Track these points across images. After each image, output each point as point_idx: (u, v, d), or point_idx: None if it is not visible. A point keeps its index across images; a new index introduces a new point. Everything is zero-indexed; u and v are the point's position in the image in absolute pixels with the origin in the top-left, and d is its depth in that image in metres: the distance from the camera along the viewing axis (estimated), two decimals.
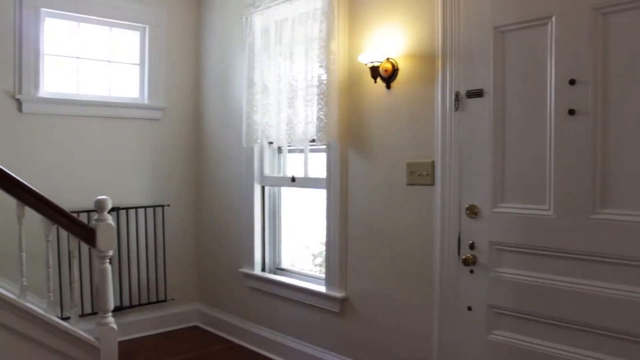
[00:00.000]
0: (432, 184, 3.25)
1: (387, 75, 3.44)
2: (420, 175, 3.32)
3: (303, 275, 4.36)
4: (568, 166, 2.66)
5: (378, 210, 3.61)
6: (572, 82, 2.62)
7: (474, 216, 3.03)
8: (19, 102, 4.38)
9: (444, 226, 3.19)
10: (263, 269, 4.66)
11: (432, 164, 3.25)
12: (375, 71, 3.46)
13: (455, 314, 3.15)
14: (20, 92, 4.38)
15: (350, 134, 3.78)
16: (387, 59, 3.43)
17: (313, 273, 4.37)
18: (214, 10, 5.12)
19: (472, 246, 3.04)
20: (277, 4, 4.14)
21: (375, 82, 3.50)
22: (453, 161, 3.13)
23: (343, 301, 3.85)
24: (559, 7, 2.67)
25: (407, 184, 3.41)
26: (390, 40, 3.45)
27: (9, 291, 3.46)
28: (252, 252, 4.64)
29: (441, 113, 3.17)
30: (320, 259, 4.47)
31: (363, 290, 3.74)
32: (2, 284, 3.48)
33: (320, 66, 3.74)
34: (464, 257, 3.05)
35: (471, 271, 3.05)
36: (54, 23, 4.63)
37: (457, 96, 3.08)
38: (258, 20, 4.34)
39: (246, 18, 4.42)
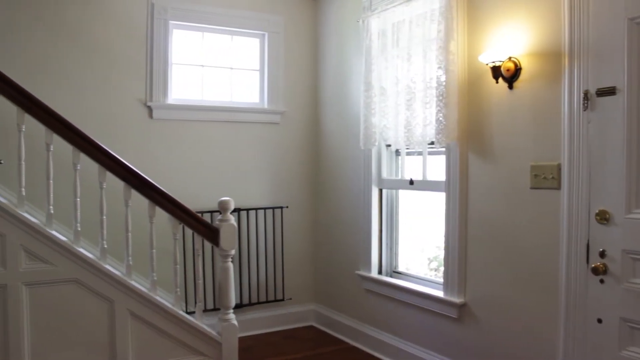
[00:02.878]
0: (558, 187, 3.09)
1: (510, 75, 3.31)
2: (545, 178, 3.16)
3: (419, 279, 4.31)
4: None
5: (499, 214, 3.49)
6: None
7: (605, 222, 2.84)
8: (149, 109, 4.69)
9: (570, 232, 3.02)
10: (380, 272, 4.65)
11: (558, 167, 3.08)
12: (496, 71, 3.35)
13: (583, 325, 2.97)
14: (151, 100, 4.68)
15: (470, 135, 3.68)
16: (509, 58, 3.30)
17: (429, 277, 4.30)
18: (331, 15, 5.19)
19: (602, 254, 2.85)
20: (394, 6, 4.12)
21: (497, 82, 3.39)
22: (582, 164, 2.95)
23: (461, 307, 3.76)
24: None
25: (531, 188, 3.26)
26: (512, 38, 3.33)
27: (142, 285, 3.71)
28: (369, 254, 4.64)
29: (568, 113, 3.01)
30: (436, 263, 4.39)
31: (483, 296, 3.63)
32: (135, 279, 3.72)
33: (439, 67, 3.68)
34: (593, 265, 2.87)
35: (601, 281, 2.86)
36: (181, 34, 4.91)
37: (586, 95, 2.90)
38: (375, 23, 4.35)
39: (363, 21, 4.44)
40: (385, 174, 4.61)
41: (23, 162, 3.43)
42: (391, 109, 4.17)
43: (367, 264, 4.67)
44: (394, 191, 4.62)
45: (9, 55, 4.14)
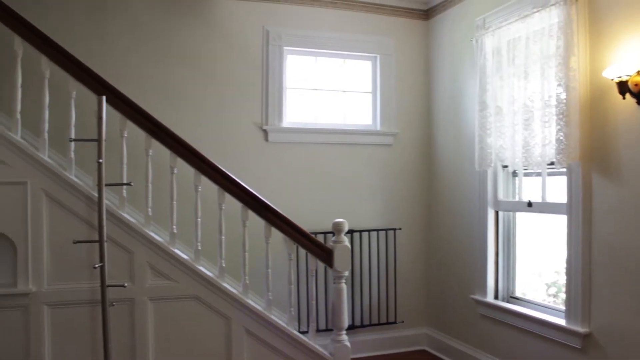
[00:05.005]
0: None
1: (638, 90, 3.11)
2: None
3: (538, 305, 4.11)
4: None
5: (629, 238, 3.26)
6: None
7: None
8: (265, 132, 4.85)
9: None
10: (496, 297, 4.49)
11: None
12: (623, 86, 3.17)
13: None
14: (266, 124, 4.85)
15: (593, 155, 3.49)
16: (638, 72, 3.11)
17: (548, 303, 4.09)
18: (443, 35, 5.15)
19: None
20: (508, 24, 4.02)
21: (624, 98, 3.20)
22: None
23: (586, 337, 3.54)
24: None
25: None
26: None
27: (258, 304, 3.81)
28: (484, 278, 4.50)
29: None
30: (555, 289, 4.17)
31: (610, 326, 3.39)
32: (251, 297, 3.83)
33: (559, 84, 3.53)
34: None
35: None
36: (295, 59, 5.06)
37: None
38: (489, 42, 4.26)
39: (476, 40, 4.37)
40: (501, 196, 4.46)
41: (150, 184, 3.66)
42: (508, 129, 4.05)
43: (483, 289, 4.52)
44: (511, 213, 4.45)
45: (141, 82, 4.46)
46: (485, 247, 4.50)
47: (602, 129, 3.43)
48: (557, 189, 3.86)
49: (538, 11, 3.72)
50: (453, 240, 4.99)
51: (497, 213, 4.50)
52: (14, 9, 3.47)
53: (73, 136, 3.53)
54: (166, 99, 4.55)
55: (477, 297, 4.57)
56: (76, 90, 3.58)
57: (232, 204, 3.79)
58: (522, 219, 4.42)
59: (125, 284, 3.44)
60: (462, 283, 4.84)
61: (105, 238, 3.33)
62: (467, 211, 4.78)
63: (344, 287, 3.81)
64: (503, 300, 4.45)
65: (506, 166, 4.27)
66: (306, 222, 4.35)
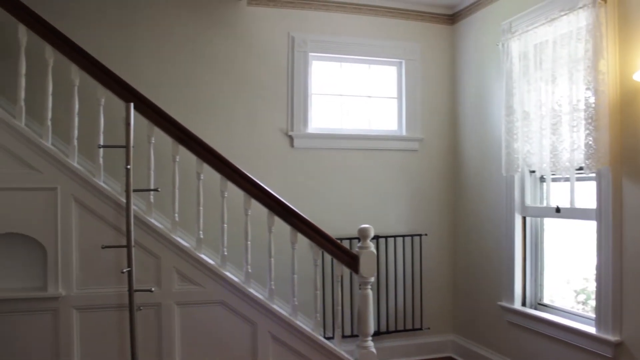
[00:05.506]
0: None
1: None
2: None
3: (567, 312, 4.04)
4: None
5: None
6: None
7: None
8: (290, 138, 4.87)
9: None
10: (523, 304, 4.43)
11: None
12: None
13: None
14: (292, 129, 4.86)
15: (624, 160, 3.43)
16: None
17: (577, 311, 4.02)
18: (468, 40, 5.12)
19: None
20: (535, 27, 3.99)
21: None
22: None
23: (617, 346, 3.47)
24: None
25: None
26: None
27: (283, 309, 3.82)
28: (512, 285, 4.45)
29: None
30: (584, 296, 4.10)
31: None
32: (277, 303, 3.83)
33: (587, 88, 3.48)
34: None
35: None
36: (320, 65, 5.07)
37: None
38: (515, 46, 4.22)
39: (502, 44, 4.34)
40: (529, 201, 4.41)
41: (177, 190, 3.70)
42: (535, 134, 4.00)
43: (510, 295, 4.47)
44: (539, 219, 4.40)
45: (169, 89, 4.52)
46: (513, 253, 4.45)
47: (632, 133, 3.37)
48: (586, 194, 3.81)
49: (566, 14, 3.68)
50: (479, 246, 4.94)
51: (524, 219, 4.45)
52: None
53: (102, 142, 3.59)
54: (193, 106, 4.60)
55: (505, 303, 4.51)
56: (105, 97, 3.64)
57: (257, 209, 3.81)
58: (550, 224, 4.36)
59: (153, 289, 3.49)
60: (489, 289, 4.78)
61: (133, 243, 3.37)
62: (493, 217, 4.73)
63: (370, 293, 3.80)
64: (531, 307, 4.39)
65: (534, 171, 4.22)
66: (331, 228, 4.35)
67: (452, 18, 5.35)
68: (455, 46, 5.35)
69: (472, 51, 5.07)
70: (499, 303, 4.58)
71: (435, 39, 5.35)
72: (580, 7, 3.55)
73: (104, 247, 3.41)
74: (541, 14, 4.02)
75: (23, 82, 3.54)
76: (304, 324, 3.84)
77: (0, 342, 3.39)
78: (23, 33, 3.53)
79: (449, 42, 5.39)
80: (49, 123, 3.55)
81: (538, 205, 4.36)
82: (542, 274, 4.40)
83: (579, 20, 3.57)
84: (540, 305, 4.34)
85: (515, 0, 4.41)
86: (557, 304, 4.24)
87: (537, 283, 4.42)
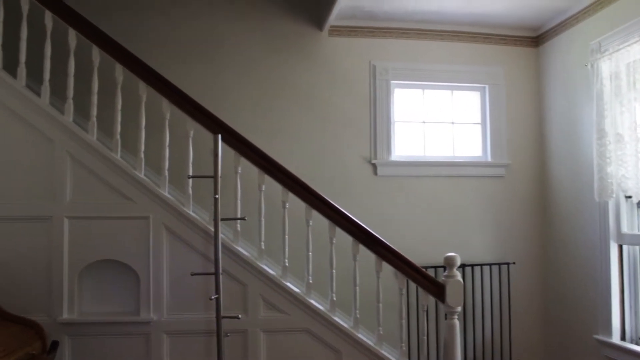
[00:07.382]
0: None
1: None
2: None
3: None
4: None
5: None
6: None
7: None
8: (374, 166, 4.88)
9: None
10: (622, 338, 4.18)
11: None
12: None
13: None
14: (375, 157, 4.88)
15: None
16: None
17: None
18: (554, 62, 4.97)
19: None
20: (628, 45, 3.83)
21: None
22: None
23: None
24: None
25: None
26: None
27: (368, 338, 3.78)
28: (609, 317, 4.21)
29: None
30: None
31: None
32: (362, 331, 3.80)
33: None
34: None
35: None
36: (402, 92, 5.07)
37: None
38: (605, 66, 4.07)
39: (591, 65, 4.19)
40: (625, 229, 4.18)
41: (263, 219, 3.77)
42: (630, 157, 3.81)
43: (607, 328, 4.22)
44: (637, 247, 4.16)
45: (254, 120, 4.69)
46: (609, 284, 4.21)
47: None
48: None
49: None
50: (572, 275, 4.72)
51: (620, 247, 4.22)
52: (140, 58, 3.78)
53: (191, 173, 3.72)
54: (277, 135, 4.72)
55: (601, 337, 4.27)
56: (193, 129, 3.78)
57: (341, 237, 3.81)
58: None
59: (239, 316, 3.54)
60: (583, 322, 4.54)
61: (220, 271, 3.45)
62: (586, 245, 4.51)
63: (457, 323, 3.69)
64: (631, 342, 4.13)
65: (630, 197, 4.01)
66: (416, 256, 4.26)
67: (537, 40, 5.22)
68: (541, 69, 5.21)
69: (558, 73, 4.92)
70: (595, 336, 4.33)
71: (519, 63, 5.23)
72: None
73: (193, 274, 3.52)
74: (633, 32, 3.87)
75: (119, 116, 3.75)
76: (389, 354, 3.78)
77: None
78: (119, 72, 3.75)
79: (533, 65, 5.26)
80: (142, 155, 3.72)
81: (636, 232, 4.13)
82: None
83: None
84: None
85: (603, 19, 4.26)
86: None
87: (638, 316, 4.16)
